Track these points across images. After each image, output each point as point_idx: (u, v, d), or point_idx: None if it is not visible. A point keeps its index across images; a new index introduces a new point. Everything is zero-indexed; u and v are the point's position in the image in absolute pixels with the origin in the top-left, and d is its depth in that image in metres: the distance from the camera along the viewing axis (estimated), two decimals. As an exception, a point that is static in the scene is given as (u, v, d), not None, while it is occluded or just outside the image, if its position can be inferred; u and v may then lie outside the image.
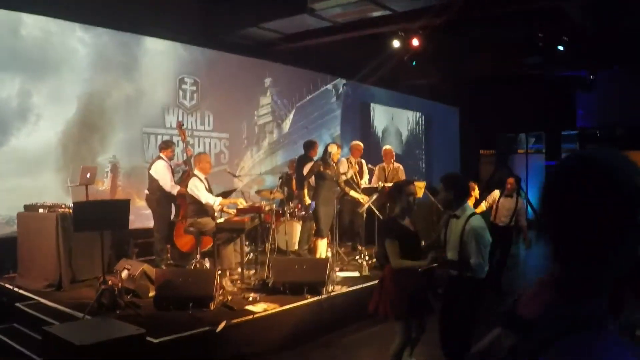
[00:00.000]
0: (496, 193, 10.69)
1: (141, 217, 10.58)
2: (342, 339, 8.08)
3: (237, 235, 9.19)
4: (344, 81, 16.60)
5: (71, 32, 10.59)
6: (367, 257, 10.65)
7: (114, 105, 11.05)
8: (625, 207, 1.35)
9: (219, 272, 8.25)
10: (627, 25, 13.54)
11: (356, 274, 9.90)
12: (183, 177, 9.92)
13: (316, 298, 8.22)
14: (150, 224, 10.09)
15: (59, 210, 8.69)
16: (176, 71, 12.22)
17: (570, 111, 21.63)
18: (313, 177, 10.27)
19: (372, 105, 18.22)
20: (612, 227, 1.36)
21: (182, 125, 10.50)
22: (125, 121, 11.23)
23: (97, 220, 7.36)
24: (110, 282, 7.41)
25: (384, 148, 12.79)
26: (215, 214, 9.28)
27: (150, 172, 9.85)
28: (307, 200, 10.42)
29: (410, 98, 19.80)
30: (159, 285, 7.53)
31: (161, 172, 9.77)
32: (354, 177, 10.77)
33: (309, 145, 11.02)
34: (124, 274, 7.97)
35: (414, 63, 15.02)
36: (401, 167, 12.25)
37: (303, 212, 10.85)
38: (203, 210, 9.02)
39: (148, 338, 5.90)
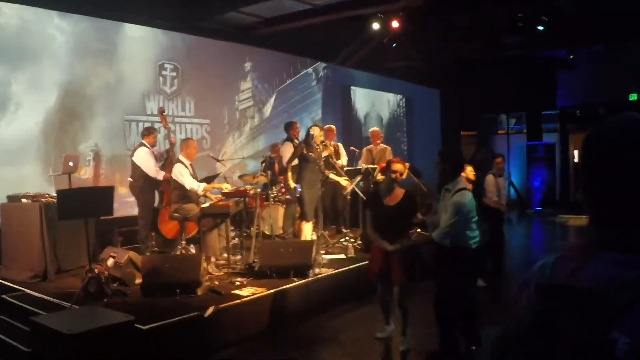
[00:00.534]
0: (490, 177, 10.36)
1: (124, 204, 10.54)
2: (329, 321, 8.11)
3: (222, 220, 9.18)
4: (324, 64, 16.57)
5: (49, 20, 10.49)
6: (352, 240, 10.67)
7: (94, 93, 10.97)
8: None
9: (205, 257, 8.24)
10: (606, 4, 13.60)
11: (342, 256, 9.92)
12: (166, 163, 9.87)
13: (303, 281, 8.24)
14: (134, 211, 10.05)
15: (43, 200, 8.63)
16: (156, 57, 12.15)
17: (551, 91, 21.75)
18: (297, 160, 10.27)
19: (352, 88, 18.20)
20: None
21: (164, 111, 10.44)
22: (106, 108, 11.16)
23: (81, 208, 7.33)
24: (96, 270, 7.39)
25: (370, 130, 12.79)
26: (200, 200, 9.26)
27: (133, 159, 9.79)
28: (292, 184, 10.41)
29: (391, 80, 19.80)
30: (145, 272, 7.51)
31: (144, 158, 9.72)
32: (331, 158, 10.73)
33: (287, 126, 11.01)
34: (110, 262, 7.95)
35: (394, 45, 15.01)
36: (389, 148, 12.24)
37: (288, 196, 10.82)
38: (187, 196, 8.99)
39: (136, 325, 5.91)
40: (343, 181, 10.79)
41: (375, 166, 11.37)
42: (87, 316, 5.96)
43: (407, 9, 13.07)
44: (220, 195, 9.54)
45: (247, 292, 7.61)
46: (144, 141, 9.92)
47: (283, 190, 11.12)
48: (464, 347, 6.69)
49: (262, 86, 14.69)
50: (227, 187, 9.50)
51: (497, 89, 20.21)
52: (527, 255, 9.98)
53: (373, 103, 19.22)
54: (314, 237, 10.21)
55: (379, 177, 10.88)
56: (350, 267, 9.21)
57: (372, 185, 10.77)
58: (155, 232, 9.89)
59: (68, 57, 10.65)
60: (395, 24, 13.71)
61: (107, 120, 11.16)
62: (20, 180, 9.58)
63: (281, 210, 11.16)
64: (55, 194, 7.88)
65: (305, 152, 10.04)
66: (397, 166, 6.80)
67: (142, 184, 9.74)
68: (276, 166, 11.26)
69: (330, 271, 8.93)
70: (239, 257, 9.57)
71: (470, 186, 6.73)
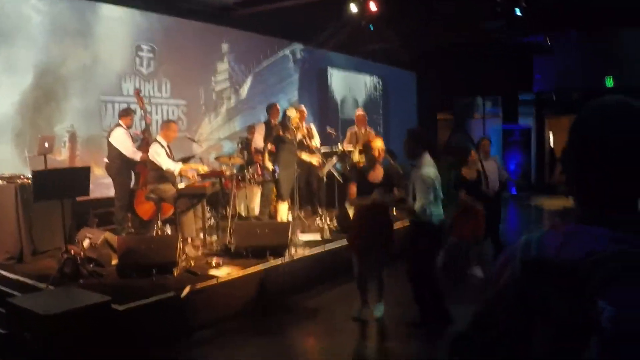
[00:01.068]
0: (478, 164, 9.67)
1: (100, 186, 10.51)
2: (305, 301, 8.21)
3: (198, 201, 9.21)
4: (301, 46, 16.54)
5: (25, 0, 10.39)
6: (328, 220, 10.75)
7: (71, 74, 10.87)
8: None
9: (181, 238, 8.26)
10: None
11: (318, 237, 9.99)
12: (142, 144, 9.85)
13: (279, 261, 8.32)
14: (110, 193, 10.03)
15: (18, 181, 8.58)
16: (133, 38, 12.06)
17: (528, 75, 21.83)
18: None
19: (329, 70, 18.20)
20: None
21: (140, 92, 10.41)
22: (82, 89, 11.06)
23: (57, 189, 7.33)
24: (72, 251, 7.41)
25: (357, 113, 12.75)
26: (176, 180, 9.28)
27: (110, 140, 9.75)
28: (269, 165, 10.44)
29: (367, 63, 19.81)
30: (121, 253, 7.53)
31: (121, 139, 9.69)
32: (304, 140, 10.76)
33: (268, 108, 11.04)
34: (86, 243, 7.98)
35: (372, 28, 15.02)
36: (373, 131, 12.26)
37: (267, 177, 10.82)
38: (164, 176, 8.99)
39: (113, 305, 5.96)
40: (315, 160, 10.85)
41: (351, 149, 11.44)
42: (63, 297, 5.99)
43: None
44: (196, 176, 9.56)
45: (223, 272, 7.67)
46: (120, 122, 9.87)
47: (259, 171, 11.13)
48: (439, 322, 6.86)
49: (239, 67, 14.66)
50: (203, 168, 9.53)
51: (474, 73, 20.25)
52: (503, 238, 10.04)
53: (350, 85, 19.24)
54: (290, 218, 10.28)
55: (356, 158, 10.97)
56: (325, 248, 9.29)
57: (348, 168, 10.85)
58: (132, 213, 9.87)
59: (44, 38, 10.55)
60: (372, 6, 13.71)
61: (83, 101, 11.08)
62: (-4, 161, 9.52)
63: (257, 191, 11.20)
64: (30, 175, 7.84)
65: (281, 133, 10.09)
66: (378, 143, 7.05)
67: (119, 165, 9.72)
68: (252, 147, 11.27)
69: (306, 252, 9.02)
70: (215, 237, 9.60)
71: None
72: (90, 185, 7.72)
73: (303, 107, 11.83)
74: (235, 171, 10.36)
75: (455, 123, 23.89)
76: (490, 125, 23.12)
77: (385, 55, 19.52)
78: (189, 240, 8.91)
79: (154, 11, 12.43)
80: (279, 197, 10.26)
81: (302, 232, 10.20)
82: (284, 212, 10.31)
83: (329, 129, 12.44)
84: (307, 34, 15.87)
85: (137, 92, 10.35)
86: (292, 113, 10.22)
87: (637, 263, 1.36)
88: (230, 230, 9.17)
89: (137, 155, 9.64)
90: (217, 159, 11.84)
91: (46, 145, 9.20)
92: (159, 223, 9.11)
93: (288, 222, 9.53)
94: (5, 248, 8.42)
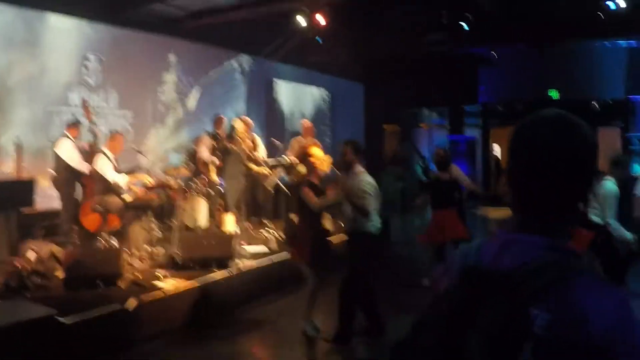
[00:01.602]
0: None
1: (46, 198, 10.45)
2: (251, 312, 8.32)
3: (144, 212, 9.27)
4: (249, 58, 16.63)
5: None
6: (274, 232, 10.86)
7: (17, 84, 10.81)
8: (594, 159, 1.55)
9: (127, 250, 8.30)
10: (525, 4, 14.08)
11: (264, 248, 10.09)
12: (88, 156, 9.82)
13: (225, 272, 8.43)
14: (56, 204, 9.99)
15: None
16: (80, 48, 12.00)
17: (473, 87, 22.21)
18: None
19: (277, 81, 18.29)
20: (589, 177, 1.56)
21: (87, 103, 10.38)
22: (28, 100, 10.99)
23: (1, 201, 7.32)
24: (17, 264, 7.40)
25: (303, 123, 12.89)
26: (122, 192, 9.30)
27: (56, 151, 9.70)
28: (214, 177, 10.53)
29: (315, 74, 19.95)
30: (67, 265, 7.53)
31: (68, 150, 9.63)
32: (250, 152, 10.86)
33: (213, 120, 11.14)
34: (32, 255, 7.95)
35: (319, 40, 15.19)
36: (319, 143, 12.33)
37: (214, 189, 10.85)
38: (110, 188, 9.02)
39: (59, 318, 5.99)
40: (264, 171, 10.96)
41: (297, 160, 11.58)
42: (8, 310, 6.02)
43: (332, 5, 13.25)
44: (143, 188, 9.60)
45: (170, 284, 7.75)
46: (67, 133, 9.84)
47: (205, 182, 11.17)
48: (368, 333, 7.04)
49: (187, 79, 14.68)
50: (149, 180, 9.59)
51: (420, 84, 20.46)
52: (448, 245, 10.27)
53: (297, 96, 19.38)
54: (236, 229, 10.38)
55: (300, 168, 11.12)
56: (272, 259, 9.42)
57: (295, 179, 10.98)
58: (77, 225, 9.83)
59: (-10, 48, 10.50)
60: (320, 19, 13.89)
61: (30, 111, 11.02)
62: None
63: (203, 202, 11.24)
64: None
65: (227, 145, 10.21)
66: (316, 151, 7.14)
67: (65, 177, 9.67)
68: (199, 159, 11.31)
69: (252, 263, 9.12)
70: (161, 249, 9.65)
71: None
72: (37, 197, 7.71)
73: (249, 119, 11.94)
74: (181, 183, 10.40)
75: (401, 134, 24.19)
76: (436, 135, 23.47)
77: (333, 67, 19.70)
78: (135, 252, 8.94)
79: (102, 22, 12.38)
80: (225, 209, 10.36)
81: (249, 243, 10.29)
82: (230, 223, 10.41)
83: (273, 140, 12.56)
84: (255, 46, 15.98)
85: (85, 102, 10.29)
86: (239, 124, 10.36)
87: (569, 271, 1.43)
88: (176, 242, 9.24)
89: (84, 167, 9.60)
90: (163, 170, 11.85)
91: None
92: (105, 235, 9.12)
93: (233, 233, 9.63)
94: (-51, 261, 8.35)
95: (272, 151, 12.50)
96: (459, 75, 21.25)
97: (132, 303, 6.80)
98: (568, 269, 1.43)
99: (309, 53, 17.14)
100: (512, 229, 1.57)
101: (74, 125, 9.96)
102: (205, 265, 8.43)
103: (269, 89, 17.93)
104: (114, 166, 9.06)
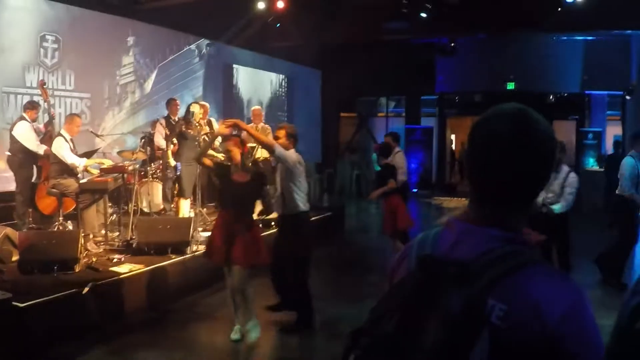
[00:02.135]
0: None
1: (1, 180, 10.37)
2: (206, 298, 8.37)
3: (100, 196, 9.24)
4: (207, 42, 16.59)
5: None
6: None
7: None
8: (553, 154, 1.59)
9: (83, 234, 8.29)
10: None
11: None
12: (45, 137, 9.76)
13: (180, 258, 8.47)
14: (10, 186, 9.91)
15: None
16: (37, 28, 11.82)
17: (430, 77, 22.46)
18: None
19: (235, 66, 18.30)
20: (547, 172, 1.60)
21: (44, 84, 10.24)
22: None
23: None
24: (-29, 247, 7.36)
25: (252, 109, 12.98)
26: (79, 175, 9.26)
27: (13, 133, 9.60)
28: (172, 162, 10.52)
29: (273, 60, 19.99)
30: (22, 249, 7.50)
31: (25, 132, 9.55)
32: (207, 136, 10.86)
33: (167, 103, 11.11)
34: (-15, 238, 7.89)
35: (278, 25, 15.22)
36: (269, 127, 12.36)
37: (169, 173, 10.81)
38: (66, 170, 8.95)
39: (14, 302, 5.98)
40: (220, 157, 10.98)
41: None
42: (-37, 294, 5.99)
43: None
44: (99, 171, 9.57)
45: (125, 268, 7.77)
46: (25, 115, 9.74)
47: (161, 166, 11.14)
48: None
49: (144, 61, 14.61)
50: (106, 163, 9.57)
51: (378, 73, 20.70)
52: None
53: (255, 82, 19.39)
54: (192, 214, 10.41)
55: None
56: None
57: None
58: (33, 207, 9.77)
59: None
60: (280, 4, 13.91)
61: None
62: None
63: (159, 186, 11.22)
64: None
65: (184, 129, 10.20)
66: (229, 144, 6.86)
67: (21, 159, 9.60)
68: (155, 143, 11.27)
69: (208, 249, 9.15)
70: (117, 233, 9.65)
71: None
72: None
73: (206, 104, 11.93)
74: (137, 166, 10.36)
75: (358, 122, 24.36)
76: (393, 124, 23.66)
77: (291, 53, 19.74)
78: (91, 236, 8.91)
79: (60, 1, 12.24)
80: (181, 194, 10.38)
81: (204, 229, 10.32)
82: (185, 208, 10.44)
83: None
84: (214, 30, 15.94)
85: (42, 83, 10.12)
86: (196, 109, 10.34)
87: (524, 262, 1.47)
88: (132, 226, 9.25)
89: (41, 149, 9.53)
90: (119, 153, 11.80)
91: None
92: (61, 218, 9.08)
93: (190, 218, 9.65)
94: None
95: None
96: (417, 64, 21.49)
97: (87, 287, 6.81)
98: (523, 260, 1.48)
99: (268, 38, 17.16)
100: (468, 220, 1.61)
101: (32, 107, 9.84)
102: (162, 250, 8.45)
103: (228, 75, 17.93)
104: (72, 148, 9.01)
